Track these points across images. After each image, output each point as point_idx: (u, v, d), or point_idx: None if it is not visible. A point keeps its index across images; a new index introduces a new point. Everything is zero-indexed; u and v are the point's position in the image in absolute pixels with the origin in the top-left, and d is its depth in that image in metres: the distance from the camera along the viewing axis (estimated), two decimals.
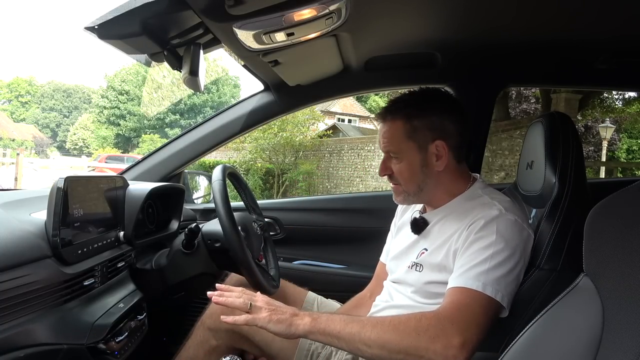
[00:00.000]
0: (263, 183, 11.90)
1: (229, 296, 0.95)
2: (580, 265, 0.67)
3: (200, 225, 1.30)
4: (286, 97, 1.68)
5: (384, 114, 1.12)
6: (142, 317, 1.14)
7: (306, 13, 0.96)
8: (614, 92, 11.62)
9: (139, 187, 1.26)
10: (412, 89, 1.17)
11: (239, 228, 1.20)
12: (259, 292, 0.98)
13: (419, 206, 1.23)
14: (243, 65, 1.41)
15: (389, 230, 1.37)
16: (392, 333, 0.88)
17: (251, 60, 1.32)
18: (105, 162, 16.93)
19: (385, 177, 1.15)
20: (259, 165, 11.98)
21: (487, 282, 0.93)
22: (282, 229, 1.87)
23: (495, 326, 0.95)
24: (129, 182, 1.26)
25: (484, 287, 0.92)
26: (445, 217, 1.11)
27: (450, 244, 1.04)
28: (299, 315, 0.93)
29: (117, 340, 0.99)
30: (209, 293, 0.96)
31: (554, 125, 1.10)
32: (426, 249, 1.10)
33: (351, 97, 20.63)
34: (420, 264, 1.10)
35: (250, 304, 0.93)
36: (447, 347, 0.85)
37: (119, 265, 1.15)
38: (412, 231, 1.16)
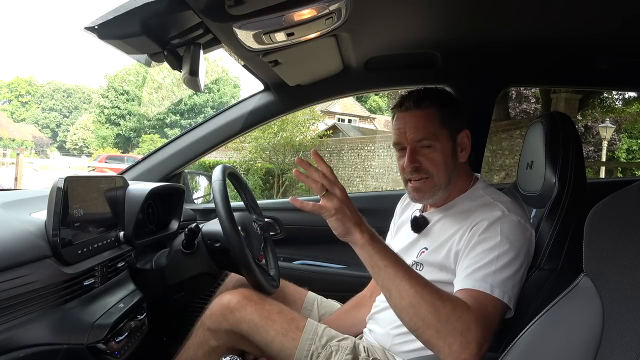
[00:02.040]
0: (263, 183, 11.89)
1: (311, 175, 0.92)
2: (580, 265, 0.67)
3: (200, 225, 1.30)
4: (286, 97, 1.68)
5: (419, 100, 1.09)
6: (142, 317, 1.14)
7: (306, 13, 0.96)
8: (614, 92, 11.62)
9: (139, 187, 1.26)
10: (412, 89, 1.18)
11: (239, 228, 1.20)
12: (339, 191, 0.91)
13: (419, 205, 1.23)
14: (243, 65, 1.41)
15: (388, 230, 1.37)
16: (427, 303, 0.87)
17: (251, 60, 1.32)
18: (105, 162, 16.91)
19: (410, 170, 1.09)
20: (259, 165, 11.97)
21: (494, 284, 0.93)
22: (282, 229, 1.87)
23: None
24: (129, 182, 1.26)
25: (491, 289, 0.92)
26: (445, 216, 1.11)
27: (451, 244, 1.04)
28: (361, 228, 0.91)
29: (117, 340, 0.99)
30: (297, 159, 0.95)
31: (554, 125, 1.10)
32: (426, 248, 1.10)
33: (351, 97, 20.63)
34: (421, 263, 1.10)
35: (327, 190, 0.90)
36: (463, 348, 0.85)
37: (119, 265, 1.15)
38: (412, 230, 1.16)
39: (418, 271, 1.09)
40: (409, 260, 1.13)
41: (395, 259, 0.92)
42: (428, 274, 1.07)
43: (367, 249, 0.91)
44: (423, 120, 1.08)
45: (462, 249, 1.01)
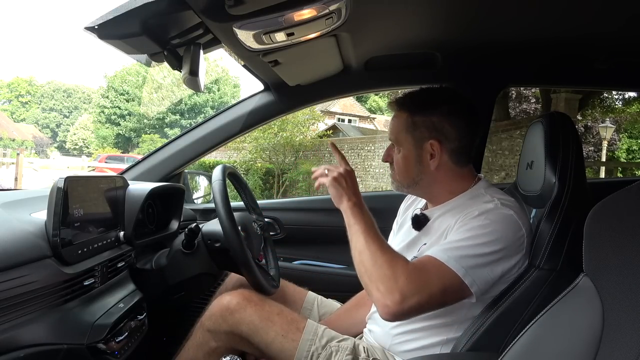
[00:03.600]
0: (263, 183, 11.88)
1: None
2: (580, 265, 0.67)
3: (200, 225, 1.30)
4: (286, 97, 1.68)
5: (393, 104, 1.17)
6: (142, 317, 1.14)
7: (306, 13, 0.96)
8: (614, 92, 11.61)
9: (139, 187, 1.26)
10: (415, 89, 1.18)
11: (239, 228, 1.20)
12: (342, 168, 1.10)
13: (421, 204, 1.24)
14: (243, 65, 1.41)
15: (389, 230, 1.37)
16: (370, 252, 0.98)
17: (251, 60, 1.32)
18: (105, 162, 16.89)
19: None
20: (259, 165, 11.97)
21: (451, 256, 0.95)
22: (282, 229, 1.87)
23: (495, 326, 0.95)
24: (129, 182, 1.26)
25: (447, 260, 0.95)
26: (445, 212, 1.12)
27: (446, 234, 1.05)
28: (349, 197, 1.07)
29: (117, 340, 0.99)
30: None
31: (554, 125, 1.10)
32: (425, 244, 1.11)
33: (351, 97, 20.61)
34: None
35: (327, 170, 1.11)
36: (387, 292, 0.91)
37: (119, 265, 1.15)
38: (413, 227, 1.16)
39: None
40: (410, 256, 1.13)
41: (364, 220, 1.03)
42: None
43: (347, 212, 1.06)
44: (392, 123, 1.16)
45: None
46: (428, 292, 0.93)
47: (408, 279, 0.92)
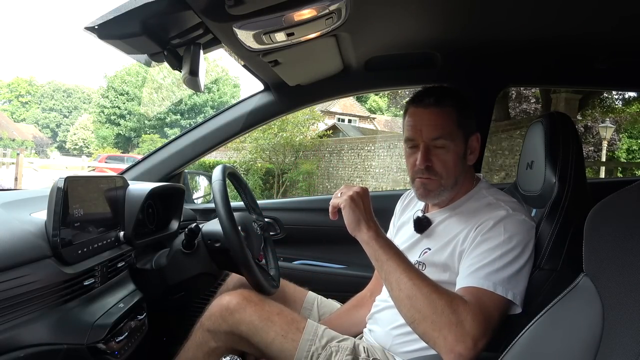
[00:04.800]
0: (263, 183, 11.89)
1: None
2: (580, 265, 0.67)
3: (200, 225, 1.30)
4: (286, 97, 1.68)
5: (440, 98, 1.07)
6: (142, 317, 1.14)
7: (306, 13, 0.96)
8: (614, 92, 11.61)
9: (139, 187, 1.26)
10: (413, 89, 1.18)
11: (239, 228, 1.20)
12: (358, 187, 1.03)
13: (420, 205, 1.23)
14: (243, 65, 1.41)
15: (386, 230, 1.37)
16: (424, 295, 0.90)
17: (251, 60, 1.33)
18: (105, 162, 16.88)
19: (421, 169, 1.07)
20: (259, 165, 11.97)
21: (497, 282, 0.93)
22: (282, 229, 1.87)
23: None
24: (129, 182, 1.26)
25: (494, 287, 0.93)
26: (449, 216, 1.11)
27: (455, 243, 1.04)
28: (368, 225, 0.98)
29: (117, 340, 0.99)
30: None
31: (554, 125, 1.10)
32: (429, 249, 1.10)
33: (351, 97, 20.61)
34: (423, 263, 1.10)
35: (340, 193, 1.03)
36: (458, 341, 0.85)
37: (119, 265, 1.15)
38: (415, 230, 1.16)
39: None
40: (411, 259, 1.13)
41: (397, 254, 0.96)
42: (431, 274, 1.06)
43: (371, 244, 0.97)
44: (441, 119, 1.05)
45: (466, 248, 1.01)
46: (492, 328, 0.89)
47: (474, 320, 0.87)
